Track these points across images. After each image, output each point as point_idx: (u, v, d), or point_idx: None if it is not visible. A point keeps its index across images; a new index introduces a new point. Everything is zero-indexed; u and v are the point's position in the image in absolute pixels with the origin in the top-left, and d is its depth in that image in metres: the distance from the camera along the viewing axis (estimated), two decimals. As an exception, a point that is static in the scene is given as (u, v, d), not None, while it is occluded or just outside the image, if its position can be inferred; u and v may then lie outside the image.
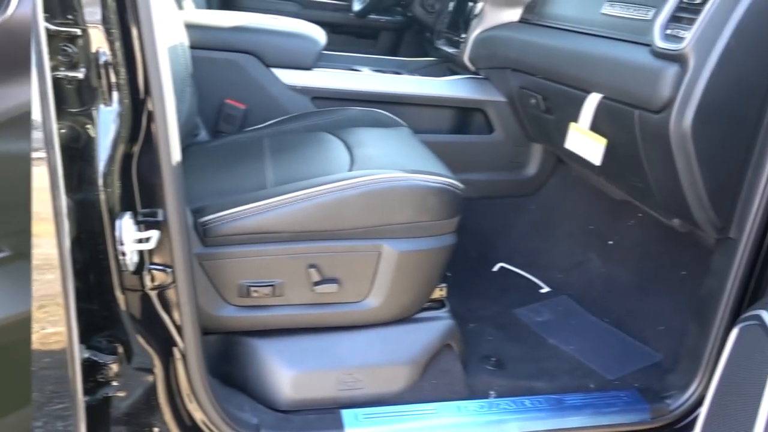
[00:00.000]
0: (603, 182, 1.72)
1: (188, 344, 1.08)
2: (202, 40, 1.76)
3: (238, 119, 1.84)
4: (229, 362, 1.31)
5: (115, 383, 1.03)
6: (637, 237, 1.82)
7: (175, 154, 1.00)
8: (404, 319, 1.37)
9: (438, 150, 1.54)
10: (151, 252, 1.04)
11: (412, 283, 1.32)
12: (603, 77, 1.34)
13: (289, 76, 1.85)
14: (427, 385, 1.35)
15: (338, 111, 1.73)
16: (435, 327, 1.38)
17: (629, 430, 1.33)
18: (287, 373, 1.28)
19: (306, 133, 1.64)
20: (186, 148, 1.63)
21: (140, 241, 0.99)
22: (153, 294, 1.06)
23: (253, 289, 1.24)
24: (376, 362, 1.32)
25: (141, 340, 1.03)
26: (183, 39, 1.58)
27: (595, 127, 1.37)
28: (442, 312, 1.41)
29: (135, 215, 1.02)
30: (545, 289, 1.86)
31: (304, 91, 1.85)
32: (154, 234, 0.99)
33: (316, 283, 1.26)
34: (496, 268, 1.95)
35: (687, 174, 1.20)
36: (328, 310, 1.30)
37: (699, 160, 1.18)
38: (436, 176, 1.30)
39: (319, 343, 1.31)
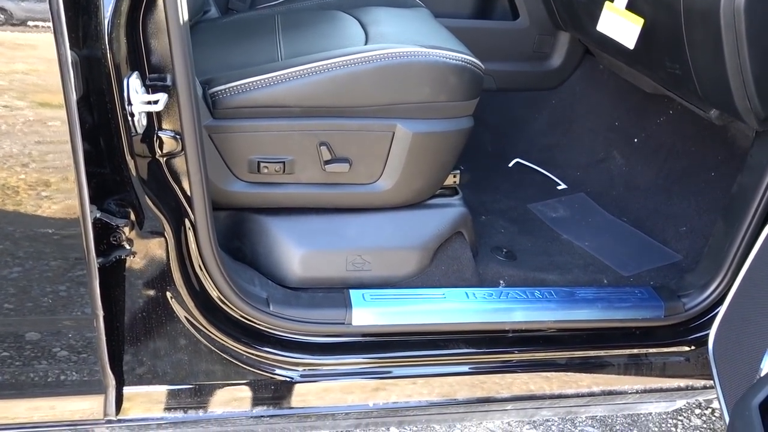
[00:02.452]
0: (634, 73, 1.64)
1: (198, 215, 1.07)
2: None
3: (250, -4, 1.75)
4: (239, 238, 1.31)
5: (127, 246, 1.03)
6: (665, 135, 1.76)
7: (183, 13, 0.94)
8: (416, 204, 1.34)
9: (457, 36, 1.46)
10: (159, 117, 1.00)
11: (426, 166, 1.29)
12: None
13: (303, -50, 1.73)
14: (435, 271, 1.35)
15: (354, -11, 1.64)
16: (447, 213, 1.36)
17: (641, 326, 1.33)
18: (297, 251, 1.28)
19: (319, 11, 1.56)
20: (195, 24, 1.57)
21: (149, 103, 0.96)
22: (163, 161, 1.04)
23: (263, 164, 1.22)
24: (385, 245, 1.31)
25: (152, 206, 1.02)
26: None
27: (632, 6, 1.28)
28: (455, 199, 1.39)
29: (143, 78, 0.98)
30: (562, 186, 1.82)
31: (319, -34, 1.74)
32: (162, 97, 0.95)
33: (327, 162, 1.23)
34: (511, 163, 1.91)
35: (733, 57, 1.12)
36: (339, 191, 1.28)
37: (749, 40, 1.09)
38: (457, 53, 1.23)
39: (329, 224, 1.30)
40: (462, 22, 1.81)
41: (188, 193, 1.06)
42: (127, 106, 0.92)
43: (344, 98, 1.19)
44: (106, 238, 1.01)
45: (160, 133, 1.01)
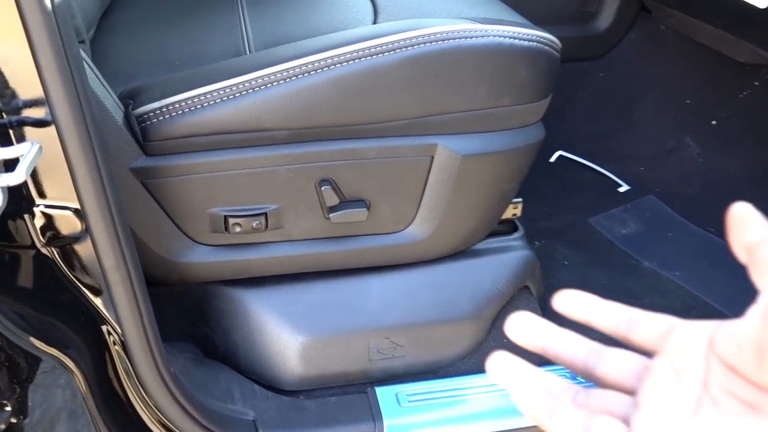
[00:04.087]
0: (720, 36, 1.22)
1: (125, 321, 0.64)
2: None
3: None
4: (205, 322, 0.88)
5: (7, 408, 0.60)
6: (752, 113, 1.35)
7: None
8: (462, 252, 0.92)
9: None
10: (32, 182, 0.55)
11: (479, 200, 0.86)
12: None
13: None
14: (495, 345, 0.94)
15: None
16: (507, 262, 0.94)
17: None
18: (294, 339, 0.85)
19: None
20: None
21: (4, 167, 0.51)
22: (51, 254, 0.59)
23: (233, 220, 0.78)
24: (422, 318, 0.89)
25: (34, 340, 0.58)
26: None
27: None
28: (516, 238, 0.97)
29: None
30: (624, 188, 1.41)
31: None
32: (27, 149, 0.50)
33: (333, 209, 0.80)
34: (553, 157, 1.49)
35: None
36: (351, 247, 0.85)
37: None
38: (526, 29, 0.79)
39: (339, 293, 0.88)
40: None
41: (106, 295, 0.62)
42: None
43: (355, 111, 0.75)
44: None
45: (41, 209, 0.56)
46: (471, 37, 0.74)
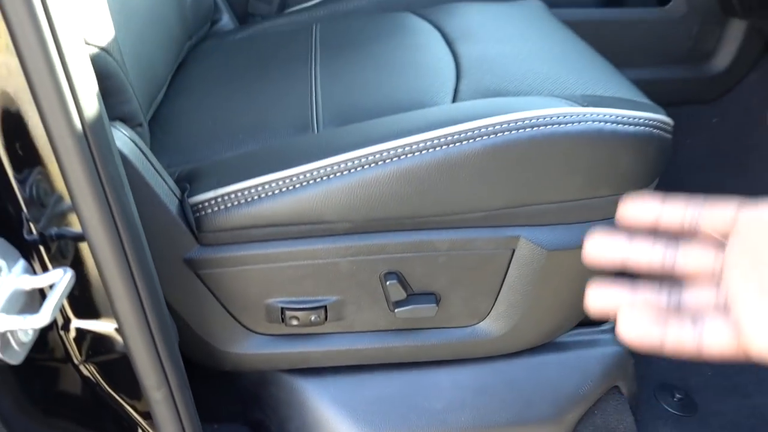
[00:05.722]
0: None
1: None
2: None
3: (278, -8, 1.23)
4: (260, 408, 0.83)
5: None
6: None
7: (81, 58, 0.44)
8: (542, 345, 0.82)
9: (584, 33, 0.94)
10: (67, 302, 0.51)
11: (567, 296, 0.76)
12: None
13: None
14: (578, 454, 0.83)
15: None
16: (594, 358, 0.83)
17: None
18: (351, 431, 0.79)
19: (379, 16, 1.03)
20: (199, 43, 1.07)
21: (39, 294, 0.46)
22: (87, 369, 0.55)
23: (291, 313, 0.72)
24: (495, 421, 0.80)
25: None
26: None
27: None
28: (606, 330, 0.85)
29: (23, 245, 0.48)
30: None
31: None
32: (59, 277, 0.46)
33: (399, 304, 0.72)
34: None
35: None
36: (420, 341, 0.77)
37: None
38: (630, 112, 0.68)
39: (403, 388, 0.80)
40: (588, 12, 1.24)
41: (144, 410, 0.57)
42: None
43: (427, 204, 0.66)
44: None
45: (77, 326, 0.52)
46: (566, 123, 0.64)
